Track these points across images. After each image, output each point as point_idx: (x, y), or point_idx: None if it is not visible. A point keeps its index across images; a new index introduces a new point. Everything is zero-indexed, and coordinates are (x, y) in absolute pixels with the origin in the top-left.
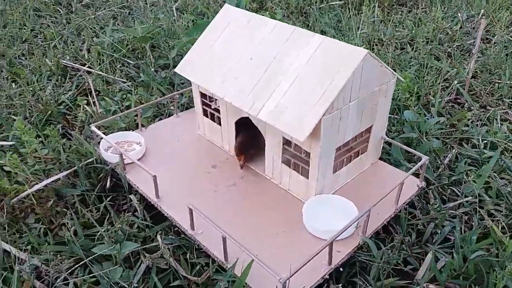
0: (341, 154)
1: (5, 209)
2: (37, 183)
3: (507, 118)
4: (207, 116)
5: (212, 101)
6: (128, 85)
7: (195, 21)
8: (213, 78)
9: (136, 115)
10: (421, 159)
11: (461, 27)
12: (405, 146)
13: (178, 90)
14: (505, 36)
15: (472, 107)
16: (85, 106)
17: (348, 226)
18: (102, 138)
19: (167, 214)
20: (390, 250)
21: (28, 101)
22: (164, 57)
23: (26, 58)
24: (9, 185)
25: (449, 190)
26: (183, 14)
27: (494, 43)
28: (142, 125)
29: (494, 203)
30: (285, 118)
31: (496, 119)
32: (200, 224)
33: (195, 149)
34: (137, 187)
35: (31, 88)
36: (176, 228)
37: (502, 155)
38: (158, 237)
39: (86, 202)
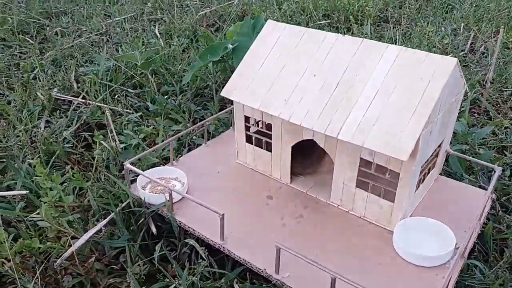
0: (421, 171)
1: (39, 275)
2: (73, 238)
3: None
4: (251, 143)
5: (259, 125)
6: (136, 117)
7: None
8: (272, 99)
9: (165, 148)
10: (483, 170)
11: (451, 41)
12: (474, 159)
13: (196, 118)
14: (492, 47)
15: (497, 115)
16: (102, 142)
17: (452, 249)
18: (134, 177)
19: (239, 257)
20: (499, 269)
21: (26, 142)
22: (167, 84)
23: (5, 94)
24: (41, 244)
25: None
26: (170, 38)
27: (483, 53)
28: (173, 158)
29: None
30: (374, 136)
31: None
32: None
33: (241, 180)
34: (194, 230)
35: (22, 127)
36: (249, 272)
37: None
38: (236, 286)
39: (128, 253)
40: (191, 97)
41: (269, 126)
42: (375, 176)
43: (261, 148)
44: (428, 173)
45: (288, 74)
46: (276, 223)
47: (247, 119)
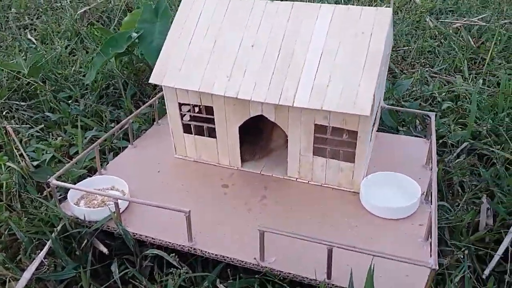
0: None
1: None
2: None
3: None
4: (190, 132)
5: (196, 111)
6: (38, 130)
7: (87, 43)
8: (212, 78)
9: (92, 158)
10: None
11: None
12: (409, 109)
13: (110, 120)
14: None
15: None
16: (8, 164)
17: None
18: (62, 195)
19: (215, 255)
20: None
21: None
22: (64, 89)
23: None
24: None
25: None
26: (52, 42)
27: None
28: (100, 166)
29: None
30: (331, 98)
31: None
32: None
33: (187, 175)
34: (153, 238)
35: None
36: (230, 269)
37: None
38: (221, 286)
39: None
40: (96, 99)
41: (209, 110)
42: (332, 140)
43: (203, 135)
44: (373, 128)
45: (223, 48)
46: (240, 210)
47: (181, 107)
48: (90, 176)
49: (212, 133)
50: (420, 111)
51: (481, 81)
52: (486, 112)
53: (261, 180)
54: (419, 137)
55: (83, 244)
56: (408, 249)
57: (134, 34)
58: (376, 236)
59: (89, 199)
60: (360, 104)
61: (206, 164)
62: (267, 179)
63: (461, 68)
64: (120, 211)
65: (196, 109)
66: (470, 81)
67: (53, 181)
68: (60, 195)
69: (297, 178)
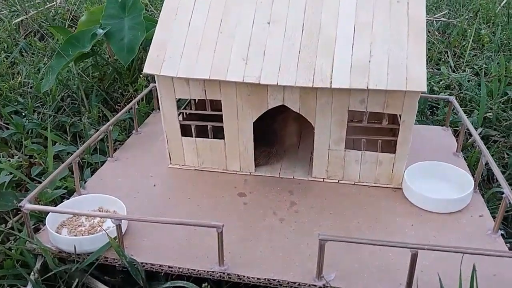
0: None
1: None
2: None
3: None
4: (189, 135)
5: (198, 108)
6: None
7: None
8: (224, 63)
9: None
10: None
11: None
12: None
13: (74, 132)
14: None
15: None
16: None
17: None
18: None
19: (257, 279)
20: None
21: None
22: (11, 102)
23: None
24: None
25: None
26: None
27: None
28: (79, 185)
29: None
30: (377, 75)
31: None
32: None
33: (192, 186)
34: (170, 267)
35: None
36: None
37: None
38: None
39: None
40: (54, 110)
41: (216, 105)
42: (369, 129)
43: (207, 137)
44: None
45: (233, 27)
46: (271, 221)
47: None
48: (68, 198)
49: (218, 134)
50: (438, 96)
51: (468, 70)
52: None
53: (282, 184)
54: (434, 125)
55: (74, 286)
56: (481, 244)
57: (100, 31)
58: (439, 233)
59: (73, 226)
60: (413, 79)
61: (211, 172)
62: (289, 182)
63: (440, 59)
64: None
65: (199, 106)
66: (454, 71)
67: (26, 205)
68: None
69: (324, 179)
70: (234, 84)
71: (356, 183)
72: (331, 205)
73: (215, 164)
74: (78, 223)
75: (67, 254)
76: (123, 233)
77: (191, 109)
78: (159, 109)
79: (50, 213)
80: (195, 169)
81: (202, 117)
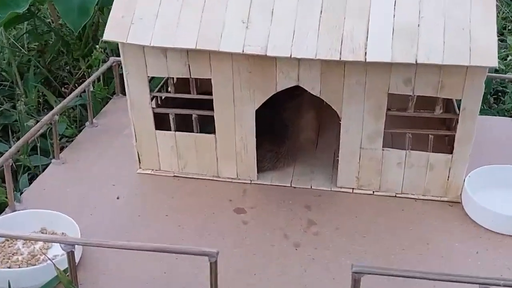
0: None
1: None
2: None
3: None
4: (167, 128)
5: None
6: None
7: None
8: (216, 27)
9: None
10: None
11: None
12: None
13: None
14: None
15: None
16: None
17: None
18: None
19: None
20: None
21: None
22: None
23: None
24: None
25: None
26: None
27: None
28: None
29: None
30: (430, 44)
31: None
32: None
33: (170, 199)
34: None
35: None
36: None
37: None
38: None
39: None
40: None
41: (205, 85)
42: (416, 120)
43: (192, 131)
44: None
45: None
46: (281, 247)
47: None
48: None
49: (207, 126)
50: (506, 75)
51: None
52: None
53: (295, 196)
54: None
55: None
56: None
57: None
58: None
59: (6, 254)
60: (480, 50)
61: (197, 180)
62: (305, 194)
63: (505, 28)
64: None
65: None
66: None
67: None
68: None
69: (354, 189)
70: (229, 56)
71: (398, 195)
72: (364, 225)
73: (202, 169)
74: (13, 250)
75: None
76: (76, 264)
77: (168, 91)
78: (123, 92)
79: None
80: (175, 176)
81: (184, 103)
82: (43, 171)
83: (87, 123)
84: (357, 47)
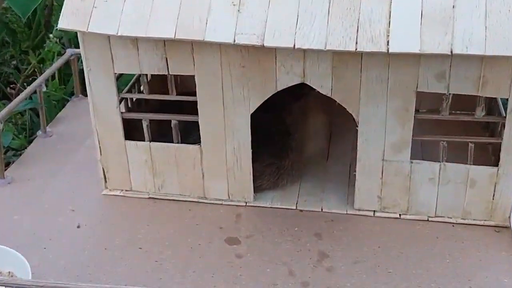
0: None
1: None
2: None
3: None
4: (139, 138)
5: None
6: None
7: None
8: (197, 11)
9: None
10: None
11: None
12: None
13: None
14: None
15: None
16: None
17: None
18: None
19: None
20: None
21: None
22: None
23: None
24: None
25: None
26: None
27: None
28: None
29: None
30: (466, 30)
31: None
32: None
33: (144, 228)
34: None
35: None
36: None
37: None
38: None
39: None
40: None
41: (186, 84)
42: (451, 125)
43: (169, 141)
44: None
45: None
46: (288, 287)
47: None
48: None
49: (190, 135)
50: None
51: None
52: None
53: (302, 222)
54: None
55: None
56: None
57: None
58: None
59: None
60: None
61: (178, 202)
62: (315, 218)
63: None
64: None
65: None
66: None
67: None
68: None
69: (375, 211)
70: (217, 47)
71: (431, 219)
72: (389, 258)
73: (184, 188)
74: None
75: None
76: None
77: (141, 92)
78: (83, 93)
79: None
80: (150, 197)
81: (161, 107)
82: None
83: (39, 132)
84: (377, 34)
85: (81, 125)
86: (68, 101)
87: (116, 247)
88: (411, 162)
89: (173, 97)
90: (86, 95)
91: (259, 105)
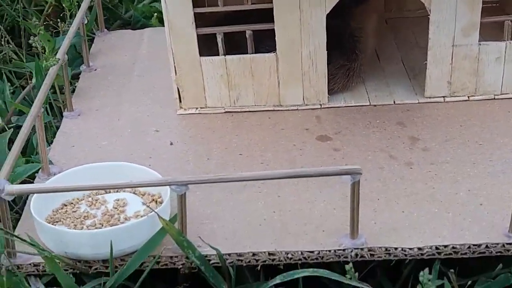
0: None
1: None
2: None
3: None
4: (213, 52)
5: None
6: None
7: None
8: None
9: None
10: None
11: None
12: None
13: None
14: None
15: None
16: None
17: None
18: None
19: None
20: None
21: None
22: None
23: None
24: None
25: None
26: None
27: None
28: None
29: None
30: None
31: None
32: None
33: (234, 136)
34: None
35: None
36: None
37: None
38: None
39: None
40: None
41: None
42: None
43: (245, 52)
44: None
45: None
46: (395, 168)
47: None
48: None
49: (263, 45)
50: None
51: None
52: None
53: (380, 115)
54: None
55: None
56: None
57: None
58: None
59: (74, 220)
60: None
61: (255, 113)
62: (391, 111)
63: None
64: None
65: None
66: None
67: (8, 187)
68: None
69: (445, 97)
70: None
71: (497, 97)
72: (474, 132)
73: (260, 99)
74: (80, 214)
75: (85, 266)
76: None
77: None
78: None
79: (33, 200)
80: (226, 111)
81: (226, 19)
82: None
83: (83, 67)
84: None
85: (119, 57)
86: (92, 37)
87: (217, 156)
88: (479, 44)
89: (248, 6)
90: (109, 29)
91: (334, 4)
